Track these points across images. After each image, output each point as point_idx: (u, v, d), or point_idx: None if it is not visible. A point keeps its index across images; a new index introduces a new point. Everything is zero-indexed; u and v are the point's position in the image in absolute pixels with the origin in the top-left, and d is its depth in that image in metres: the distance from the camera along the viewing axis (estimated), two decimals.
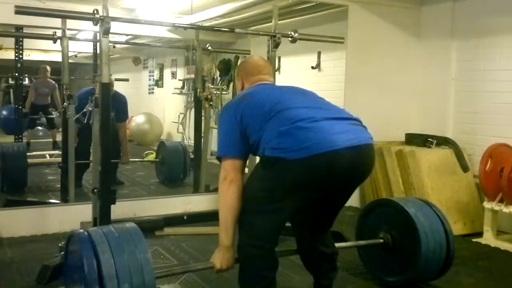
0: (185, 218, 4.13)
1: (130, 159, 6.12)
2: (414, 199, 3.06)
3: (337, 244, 2.65)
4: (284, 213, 2.19)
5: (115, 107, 5.16)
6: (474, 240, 4.03)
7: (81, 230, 2.17)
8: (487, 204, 3.99)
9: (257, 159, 2.31)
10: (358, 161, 2.13)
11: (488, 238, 3.96)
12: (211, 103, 5.09)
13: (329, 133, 2.07)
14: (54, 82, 8.22)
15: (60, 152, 5.24)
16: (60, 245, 3.15)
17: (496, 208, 3.92)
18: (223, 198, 2.22)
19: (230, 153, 2.23)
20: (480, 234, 4.08)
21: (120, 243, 2.06)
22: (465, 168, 4.45)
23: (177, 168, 5.94)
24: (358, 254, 3.12)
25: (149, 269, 2.05)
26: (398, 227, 2.86)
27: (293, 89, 2.44)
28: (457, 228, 4.23)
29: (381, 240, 2.87)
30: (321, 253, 2.46)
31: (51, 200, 4.94)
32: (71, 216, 3.78)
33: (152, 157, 7.11)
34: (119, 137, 5.58)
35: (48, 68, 8.27)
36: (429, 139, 4.59)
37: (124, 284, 1.96)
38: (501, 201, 3.91)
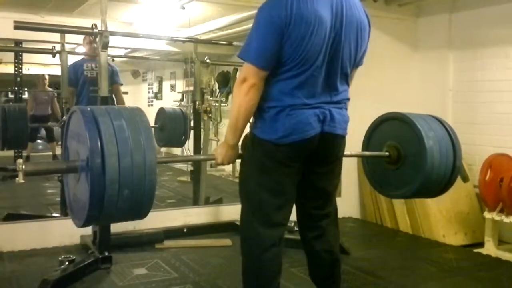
0: (185, 230, 4.12)
1: None
2: (425, 115, 2.92)
3: None
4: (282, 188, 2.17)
5: None
6: (475, 250, 4.02)
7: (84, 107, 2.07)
8: (487, 214, 3.99)
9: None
10: (327, 146, 2.16)
11: (489, 249, 3.95)
12: (210, 115, 5.10)
13: (312, 120, 2.07)
14: (52, 90, 8.22)
15: None
16: (60, 258, 3.14)
17: (497, 218, 3.92)
18: (240, 99, 2.03)
19: (259, 62, 2.00)
20: (481, 244, 4.07)
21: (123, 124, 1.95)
22: (465, 178, 4.45)
23: (177, 134, 5.92)
24: (363, 166, 3.04)
25: (151, 150, 1.95)
26: (406, 142, 2.76)
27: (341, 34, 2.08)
28: (458, 238, 4.23)
29: (387, 153, 2.79)
30: (322, 259, 2.36)
31: (51, 214, 4.93)
32: (71, 230, 3.75)
33: None
34: (116, 100, 5.47)
35: (46, 76, 8.24)
36: None
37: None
38: (501, 211, 3.91)
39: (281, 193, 2.19)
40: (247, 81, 2.01)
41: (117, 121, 1.94)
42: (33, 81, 8.45)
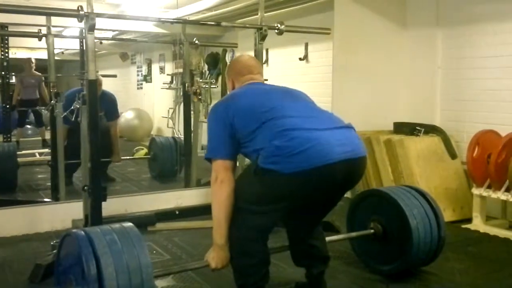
0: (177, 213, 4.13)
1: (122, 157, 6.10)
2: (404, 187, 3.07)
3: (328, 238, 2.70)
4: (272, 216, 2.24)
5: (104, 106, 5.14)
6: (463, 226, 4.08)
7: (75, 230, 2.15)
8: (475, 190, 4.04)
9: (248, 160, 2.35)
10: (350, 174, 2.19)
11: (477, 224, 4.01)
12: (200, 97, 5.08)
13: (323, 146, 2.08)
14: (40, 74, 8.15)
15: (50, 150, 5.21)
16: (52, 243, 3.15)
17: (484, 194, 3.97)
18: (216, 198, 2.23)
19: (220, 155, 2.23)
20: (469, 220, 4.13)
21: (119, 246, 2.04)
22: (453, 155, 4.50)
23: (170, 164, 5.91)
24: (350, 244, 3.15)
25: (148, 272, 2.03)
26: (388, 216, 2.88)
27: (286, 93, 2.41)
28: (447, 214, 4.27)
29: (372, 231, 2.90)
30: (311, 246, 2.50)
31: (42, 199, 4.93)
32: (62, 214, 3.78)
33: (142, 153, 7.09)
34: (110, 135, 5.58)
35: (33, 59, 8.17)
36: (417, 128, 4.62)
37: None
38: (489, 187, 3.96)
39: (271, 225, 2.29)
40: (218, 177, 2.21)
41: (108, 235, 2.04)
42: (20, 66, 8.37)
